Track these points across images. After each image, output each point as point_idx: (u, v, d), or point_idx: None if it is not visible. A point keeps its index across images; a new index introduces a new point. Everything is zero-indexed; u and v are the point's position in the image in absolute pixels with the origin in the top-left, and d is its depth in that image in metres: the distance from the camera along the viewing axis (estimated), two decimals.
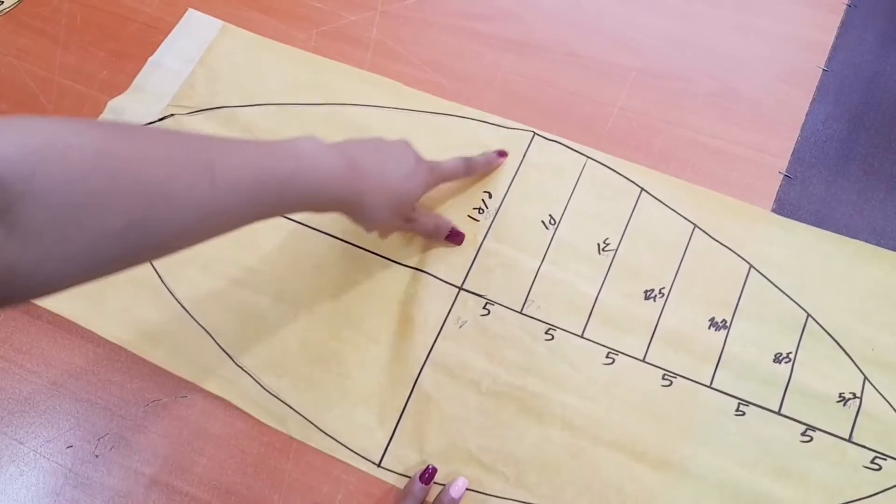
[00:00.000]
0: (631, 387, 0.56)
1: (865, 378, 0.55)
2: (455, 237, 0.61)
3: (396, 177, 0.54)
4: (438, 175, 0.58)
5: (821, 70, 0.65)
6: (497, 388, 0.57)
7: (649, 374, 0.57)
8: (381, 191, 0.53)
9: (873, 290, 0.57)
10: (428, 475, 0.54)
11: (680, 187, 0.62)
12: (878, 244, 0.59)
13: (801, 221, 0.60)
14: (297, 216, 0.64)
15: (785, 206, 0.61)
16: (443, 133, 0.66)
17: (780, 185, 0.62)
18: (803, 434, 0.54)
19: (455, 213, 0.63)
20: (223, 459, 0.58)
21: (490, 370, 0.58)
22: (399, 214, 0.55)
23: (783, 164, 0.63)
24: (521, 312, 0.59)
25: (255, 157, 0.45)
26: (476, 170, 0.62)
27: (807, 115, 0.64)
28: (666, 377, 0.56)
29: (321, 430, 0.57)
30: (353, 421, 0.57)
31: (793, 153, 0.63)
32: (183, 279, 0.62)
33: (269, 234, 0.63)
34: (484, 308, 0.60)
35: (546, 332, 0.59)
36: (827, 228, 0.60)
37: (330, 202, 0.50)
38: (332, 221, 0.62)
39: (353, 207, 0.52)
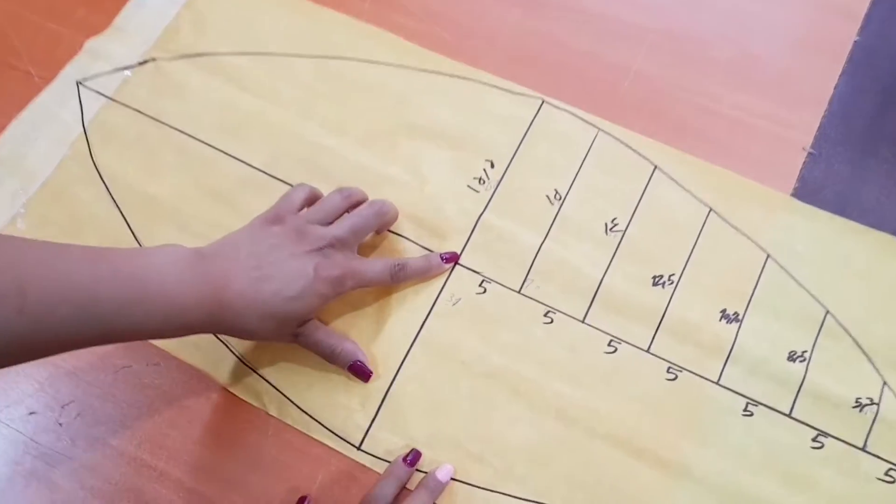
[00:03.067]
0: (633, 378, 0.53)
1: (885, 383, 0.51)
2: (359, 371, 0.53)
3: (278, 300, 0.48)
4: (353, 285, 0.51)
5: (852, 40, 0.61)
6: (489, 371, 0.53)
7: (653, 366, 0.53)
8: (254, 312, 0.47)
9: None
10: (412, 458, 0.51)
11: (696, 166, 0.57)
12: None
13: (824, 202, 0.56)
14: (285, 164, 0.59)
15: (808, 185, 0.57)
16: (443, 95, 0.61)
17: (804, 163, 0.57)
18: (814, 440, 0.50)
19: (454, 182, 0.58)
20: (197, 434, 0.54)
21: (483, 352, 0.54)
22: (282, 333, 0.50)
23: (807, 139, 0.58)
24: (519, 292, 0.55)
25: (79, 281, 0.40)
26: (407, 278, 0.54)
27: (835, 87, 0.59)
28: (671, 370, 0.53)
29: (299, 407, 0.53)
30: (333, 400, 0.53)
31: (818, 128, 0.58)
32: (159, 238, 0.58)
33: (253, 195, 0.58)
34: (480, 286, 0.56)
35: (545, 315, 0.55)
36: (851, 210, 0.56)
37: (180, 330, 0.46)
38: (316, 184, 0.58)
39: (215, 330, 0.48)
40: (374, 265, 0.53)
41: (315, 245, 0.50)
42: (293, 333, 0.51)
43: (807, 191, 0.56)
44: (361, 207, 0.54)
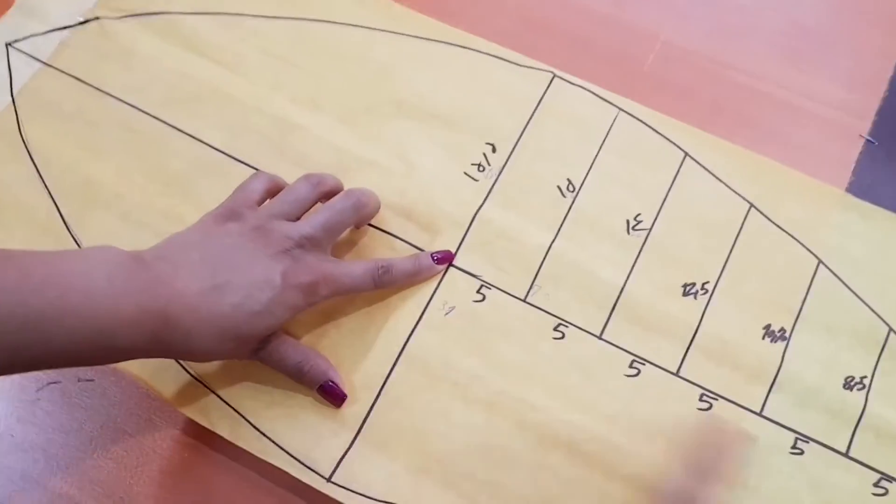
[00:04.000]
0: (659, 407, 0.44)
1: None
2: (330, 393, 0.44)
3: (240, 315, 0.40)
4: (328, 293, 0.43)
5: None
6: (488, 397, 0.45)
7: (684, 393, 0.44)
8: (209, 330, 0.39)
9: None
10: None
11: (734, 154, 0.49)
12: None
13: (884, 198, 0.48)
14: (249, 144, 0.50)
15: (865, 179, 0.49)
16: (437, 67, 0.52)
17: (861, 153, 0.49)
18: (876, 485, 0.42)
19: (448, 168, 0.49)
20: (135, 465, 0.45)
21: (480, 373, 0.45)
22: (242, 352, 0.42)
23: (865, 126, 0.50)
24: (524, 301, 0.46)
25: None
26: (392, 282, 0.46)
27: None
28: (704, 398, 0.44)
29: (257, 428, 0.44)
30: (299, 423, 0.45)
31: (878, 113, 0.50)
32: (96, 229, 0.49)
33: (211, 180, 0.49)
34: (478, 292, 0.47)
35: (555, 329, 0.46)
36: None
37: (113, 354, 0.38)
38: (285, 169, 0.48)
39: (159, 353, 0.40)
40: (353, 268, 0.44)
41: (281, 246, 0.42)
42: (254, 349, 0.42)
43: (863, 185, 0.48)
44: (335, 199, 0.45)
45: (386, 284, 0.45)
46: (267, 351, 0.43)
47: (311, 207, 0.45)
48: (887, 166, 0.49)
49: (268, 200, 0.44)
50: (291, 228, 0.42)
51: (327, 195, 0.45)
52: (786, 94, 0.51)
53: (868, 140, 0.49)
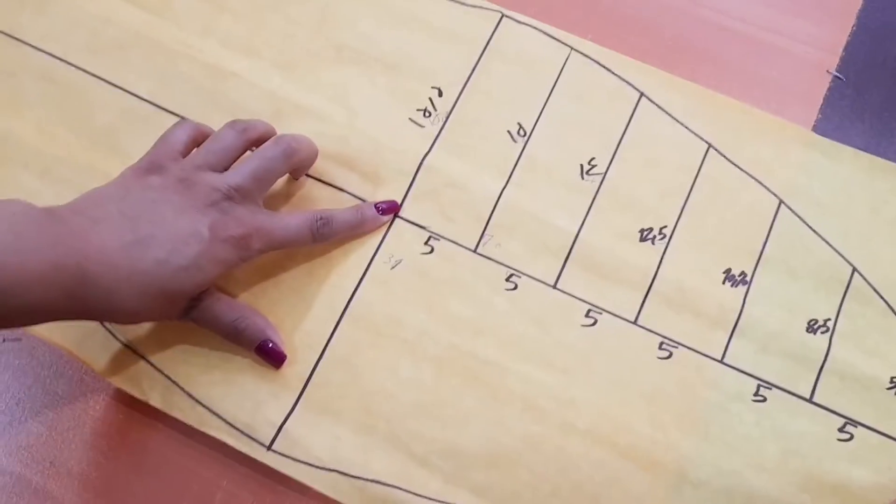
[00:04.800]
0: (617, 358, 0.42)
1: None
2: (269, 354, 0.42)
3: (165, 271, 0.37)
4: (261, 247, 0.40)
5: None
6: (438, 353, 0.42)
7: (642, 342, 0.42)
8: (131, 288, 0.36)
9: None
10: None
11: (691, 93, 0.47)
12: None
13: (852, 136, 0.46)
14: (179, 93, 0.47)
15: (833, 115, 0.47)
16: (378, 7, 0.49)
17: (829, 89, 0.47)
18: (841, 430, 0.41)
19: (392, 114, 0.46)
20: (65, 428, 0.43)
21: (430, 328, 0.43)
22: (171, 311, 0.39)
23: (833, 61, 0.48)
24: (475, 251, 0.44)
25: None
26: (332, 234, 0.43)
27: None
28: (664, 346, 0.42)
29: (191, 396, 0.42)
30: (237, 387, 0.42)
31: (845, 48, 0.48)
32: (11, 187, 0.46)
33: (137, 132, 0.46)
34: (426, 243, 0.44)
35: (507, 280, 0.44)
36: (885, 147, 0.46)
37: (24, 315, 0.34)
38: (218, 118, 0.45)
39: (77, 314, 0.36)
40: (289, 220, 0.41)
41: (208, 199, 0.39)
42: (185, 308, 0.39)
43: (831, 122, 0.46)
44: (265, 146, 0.42)
45: (326, 237, 0.42)
46: (199, 310, 0.40)
47: (239, 156, 0.41)
48: (855, 102, 0.47)
49: (193, 151, 0.41)
50: (218, 179, 0.39)
51: (257, 142, 0.42)
52: (751, 29, 0.48)
53: (836, 76, 0.47)
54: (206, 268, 0.38)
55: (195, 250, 0.37)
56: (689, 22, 0.49)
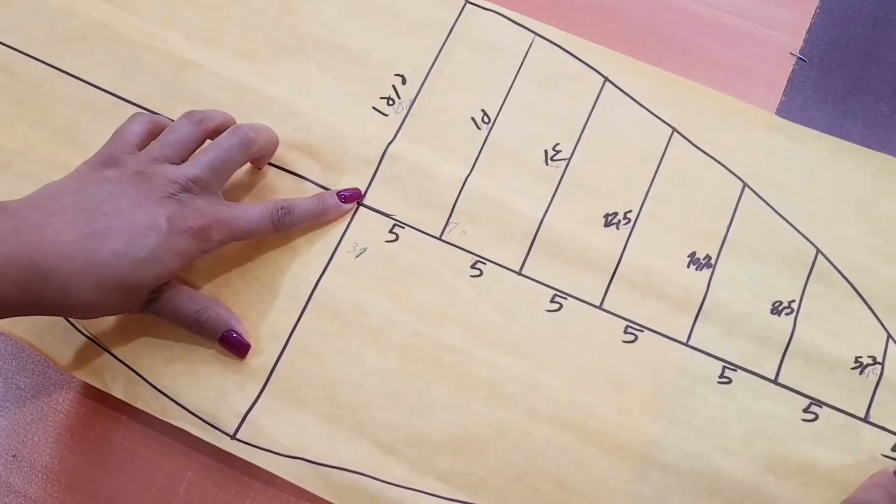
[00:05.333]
0: (583, 342, 0.42)
1: (889, 336, 0.42)
2: (233, 344, 0.41)
3: (123, 263, 0.36)
4: (222, 238, 0.39)
5: None
6: (403, 341, 0.42)
7: (607, 326, 0.42)
8: (88, 281, 0.36)
9: None
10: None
11: (655, 77, 0.47)
12: None
13: (816, 118, 0.46)
14: (141, 85, 0.47)
15: (797, 98, 0.47)
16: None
17: (793, 71, 0.47)
18: (806, 410, 0.41)
19: (356, 103, 0.46)
20: (28, 421, 0.43)
21: (395, 316, 0.43)
22: (131, 304, 0.39)
23: (796, 43, 0.48)
24: (440, 238, 0.44)
25: None
26: (294, 223, 0.42)
27: None
28: (629, 330, 0.42)
29: (154, 387, 0.41)
30: (201, 378, 0.42)
31: (808, 30, 0.48)
32: None
33: (99, 123, 0.46)
34: (390, 231, 0.44)
35: (472, 266, 0.43)
36: (849, 129, 0.46)
37: None
38: (180, 109, 0.45)
39: (33, 309, 0.36)
40: (249, 211, 0.41)
41: (165, 191, 0.38)
42: (144, 301, 0.39)
43: (795, 105, 0.46)
44: (222, 136, 0.41)
45: (287, 227, 0.42)
46: (160, 302, 0.39)
47: (196, 147, 0.41)
48: (819, 84, 0.47)
49: (150, 143, 0.41)
50: (175, 171, 0.39)
51: (214, 132, 0.42)
52: (716, 13, 0.48)
53: (799, 58, 0.47)
54: (166, 259, 0.38)
55: (153, 241, 0.37)
56: (655, 6, 0.49)
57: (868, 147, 0.45)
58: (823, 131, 0.45)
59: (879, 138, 0.45)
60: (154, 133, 0.41)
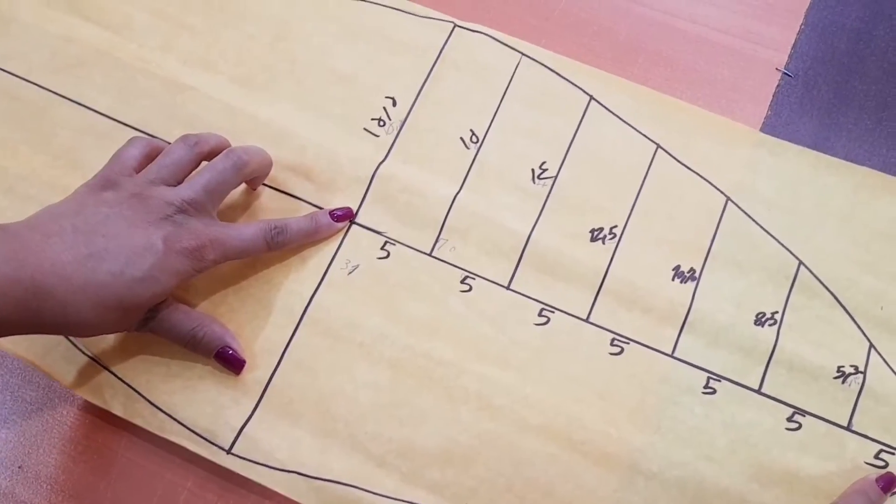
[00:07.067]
0: (570, 355, 0.43)
1: (871, 345, 0.42)
2: (228, 360, 0.42)
3: (120, 283, 0.37)
4: (217, 257, 0.40)
5: None
6: (394, 355, 0.43)
7: (594, 339, 0.43)
8: (86, 300, 0.37)
9: (884, 232, 0.44)
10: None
11: (640, 95, 0.48)
12: None
13: (802, 132, 0.47)
14: (138, 109, 0.48)
15: (782, 113, 0.48)
16: (333, 21, 0.50)
17: (778, 86, 0.48)
18: (790, 419, 0.41)
19: (348, 124, 0.48)
20: (34, 433, 0.44)
21: (386, 331, 0.44)
22: (129, 323, 0.40)
23: (782, 59, 0.49)
24: (430, 255, 0.45)
25: None
26: (287, 242, 0.43)
27: None
28: (616, 342, 0.43)
29: (153, 404, 0.42)
30: (198, 394, 0.43)
31: (794, 45, 0.49)
32: None
33: (98, 147, 0.47)
34: (382, 248, 0.45)
35: (462, 282, 0.44)
36: (834, 142, 0.47)
37: None
38: (177, 132, 0.46)
39: (31, 328, 0.37)
40: (243, 230, 0.42)
41: (162, 213, 0.40)
42: (142, 320, 0.40)
43: (780, 119, 0.47)
44: (216, 159, 0.43)
45: (280, 245, 0.43)
46: (157, 321, 0.41)
47: (191, 170, 0.42)
48: (804, 99, 0.48)
49: (147, 166, 0.42)
50: (171, 193, 0.40)
51: (209, 155, 0.43)
52: (702, 30, 0.49)
53: (785, 73, 0.48)
54: (162, 279, 0.39)
55: (150, 262, 0.38)
56: (642, 24, 0.50)
57: (852, 159, 0.46)
58: (809, 145, 0.46)
59: (864, 150, 0.46)
60: (151, 156, 0.42)
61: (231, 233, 0.41)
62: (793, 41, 0.49)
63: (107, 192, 0.40)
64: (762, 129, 0.47)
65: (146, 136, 0.44)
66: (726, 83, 0.49)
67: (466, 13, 0.50)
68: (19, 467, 0.43)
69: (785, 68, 0.49)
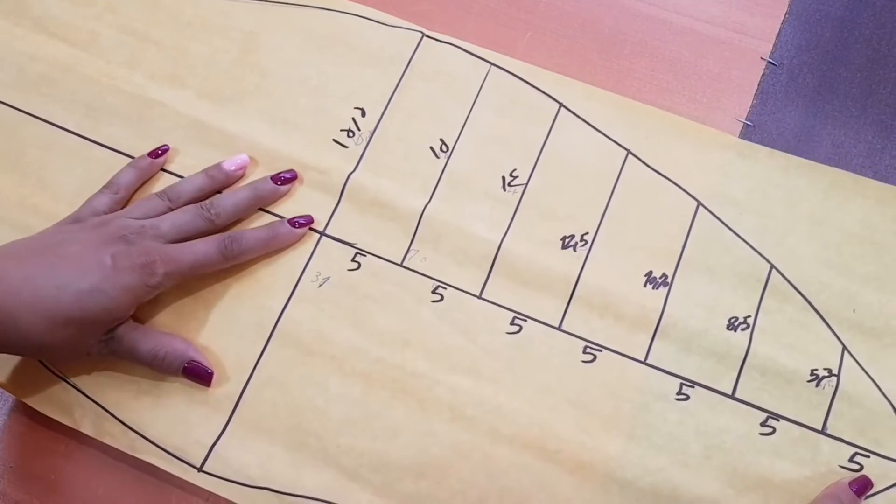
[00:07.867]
0: (542, 363, 0.43)
1: (844, 348, 0.42)
2: (196, 373, 0.42)
3: (67, 296, 0.37)
4: (169, 272, 0.40)
5: None
6: (366, 367, 0.43)
7: (567, 347, 0.43)
8: (36, 315, 0.37)
9: (855, 233, 0.44)
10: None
11: (610, 102, 0.48)
12: (883, 150, 0.46)
13: (787, 121, 0.47)
14: (106, 125, 0.48)
15: (768, 102, 0.48)
16: (300, 32, 0.50)
17: (763, 75, 0.48)
18: (763, 424, 0.41)
19: (316, 136, 0.47)
20: (23, 432, 0.44)
21: (357, 343, 0.43)
22: (86, 343, 0.39)
23: (766, 48, 0.49)
24: (401, 265, 0.45)
25: None
26: (244, 252, 0.43)
27: None
28: (588, 350, 0.43)
29: (122, 422, 0.42)
30: (169, 412, 0.42)
31: (778, 34, 0.49)
32: None
33: (65, 164, 0.47)
34: (352, 260, 0.45)
35: (433, 292, 0.44)
36: (819, 130, 0.47)
37: None
38: (145, 147, 0.46)
39: None
40: (196, 244, 0.42)
41: (117, 233, 0.40)
42: (101, 341, 0.40)
43: (766, 109, 0.47)
44: (188, 207, 0.43)
45: (237, 255, 0.43)
46: (116, 341, 0.40)
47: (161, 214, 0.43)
48: (789, 88, 0.48)
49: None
50: (133, 220, 0.41)
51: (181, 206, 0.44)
52: (686, 20, 0.49)
53: (770, 62, 0.48)
54: (111, 293, 0.38)
55: (97, 276, 0.38)
56: (626, 15, 0.50)
57: (839, 146, 0.46)
58: (795, 133, 0.46)
59: (850, 138, 0.46)
60: (122, 205, 0.44)
61: (183, 248, 0.41)
62: (777, 30, 0.49)
63: (72, 225, 0.41)
64: (748, 118, 0.47)
65: (111, 192, 0.44)
66: (712, 73, 0.48)
67: (451, 7, 0.50)
68: (11, 467, 0.42)
69: (770, 57, 0.48)
